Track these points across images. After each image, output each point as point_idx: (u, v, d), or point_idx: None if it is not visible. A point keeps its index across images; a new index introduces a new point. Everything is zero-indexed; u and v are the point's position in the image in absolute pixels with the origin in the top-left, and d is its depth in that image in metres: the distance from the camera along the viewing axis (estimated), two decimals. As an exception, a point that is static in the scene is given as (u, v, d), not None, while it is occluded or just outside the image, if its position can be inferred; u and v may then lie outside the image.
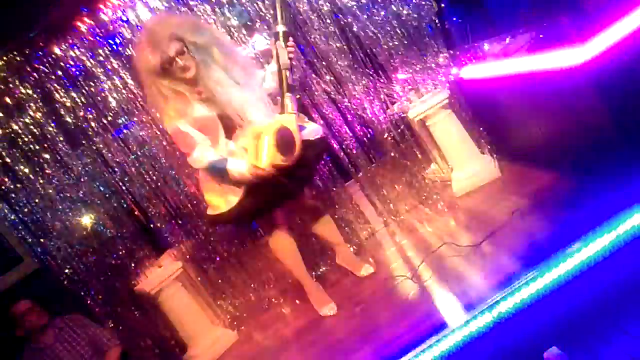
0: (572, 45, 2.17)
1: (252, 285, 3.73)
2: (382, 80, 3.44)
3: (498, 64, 2.86)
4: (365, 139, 3.59)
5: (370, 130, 3.55)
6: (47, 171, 3.37)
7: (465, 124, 3.34)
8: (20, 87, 3.29)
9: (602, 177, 2.30)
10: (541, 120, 2.79)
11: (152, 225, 3.63)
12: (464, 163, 3.36)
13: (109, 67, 3.38)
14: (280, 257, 2.80)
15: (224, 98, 2.35)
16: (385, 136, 3.53)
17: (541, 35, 2.87)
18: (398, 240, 3.30)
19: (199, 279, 3.71)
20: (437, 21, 3.34)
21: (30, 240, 3.45)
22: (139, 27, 3.32)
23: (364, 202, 3.72)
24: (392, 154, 3.57)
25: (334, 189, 3.54)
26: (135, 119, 3.53)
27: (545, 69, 2.41)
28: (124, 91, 3.43)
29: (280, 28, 2.36)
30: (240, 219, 2.66)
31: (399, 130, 3.54)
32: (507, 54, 2.77)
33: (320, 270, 3.42)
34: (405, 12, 3.36)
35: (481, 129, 3.35)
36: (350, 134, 3.52)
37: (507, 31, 2.80)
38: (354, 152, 3.55)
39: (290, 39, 2.40)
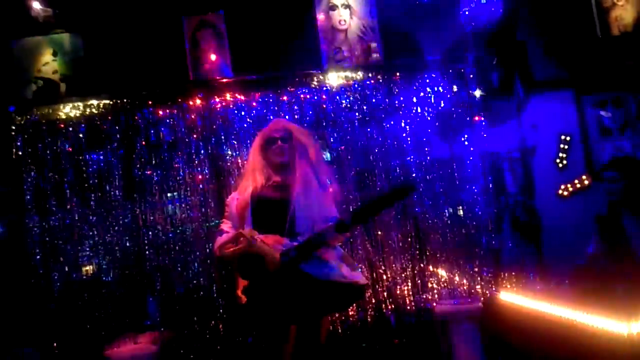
0: (620, 315, 2.18)
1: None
2: (422, 266, 3.49)
3: (537, 301, 2.87)
4: (385, 311, 3.55)
5: (392, 305, 3.52)
6: (92, 206, 3.49)
7: (485, 343, 3.26)
8: (112, 127, 3.57)
9: None
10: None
11: (150, 300, 3.58)
12: (469, 382, 3.21)
13: (194, 148, 3.65)
14: None
15: (295, 193, 2.50)
16: (405, 319, 3.48)
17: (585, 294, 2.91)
18: None
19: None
20: (493, 239, 3.47)
21: (38, 259, 3.45)
22: (234, 127, 3.66)
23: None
24: (404, 340, 3.48)
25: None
26: (189, 199, 3.68)
27: (588, 328, 2.39)
28: (193, 172, 3.64)
29: (348, 221, 2.37)
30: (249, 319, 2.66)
31: (420, 319, 3.49)
32: (551, 296, 2.80)
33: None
34: (467, 217, 3.54)
35: (499, 357, 3.25)
36: (373, 302, 3.49)
37: (557, 274, 2.86)
38: (369, 320, 3.49)
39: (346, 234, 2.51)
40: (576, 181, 3.81)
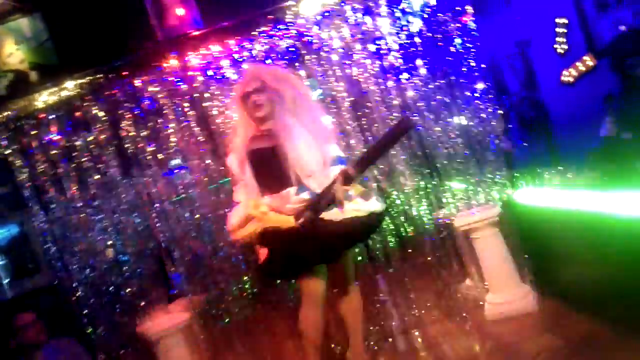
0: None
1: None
2: (435, 183, 3.41)
3: (557, 195, 2.79)
4: (404, 234, 3.52)
5: (411, 227, 3.49)
6: (92, 191, 3.43)
7: (510, 247, 3.22)
8: (94, 107, 3.44)
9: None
10: (593, 262, 2.65)
11: (172, 270, 3.59)
12: (501, 287, 3.20)
13: (179, 109, 3.52)
14: (302, 329, 2.64)
15: (284, 140, 2.48)
16: (425, 239, 3.44)
17: (605, 178, 2.82)
18: (416, 351, 3.11)
19: (201, 336, 3.59)
20: (502, 141, 3.35)
21: (53, 253, 3.44)
22: (217, 80, 3.51)
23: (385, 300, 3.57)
24: (428, 259, 3.46)
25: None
26: (188, 164, 3.61)
27: (608, 211, 2.32)
28: (186, 135, 3.54)
29: (353, 172, 2.44)
30: (273, 271, 2.68)
31: (441, 237, 3.45)
32: (567, 187, 2.71)
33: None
34: (472, 124, 3.41)
35: (526, 256, 3.22)
36: (392, 227, 3.45)
37: (573, 164, 2.76)
38: (389, 245, 3.46)
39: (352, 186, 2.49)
40: (579, 64, 3.62)
